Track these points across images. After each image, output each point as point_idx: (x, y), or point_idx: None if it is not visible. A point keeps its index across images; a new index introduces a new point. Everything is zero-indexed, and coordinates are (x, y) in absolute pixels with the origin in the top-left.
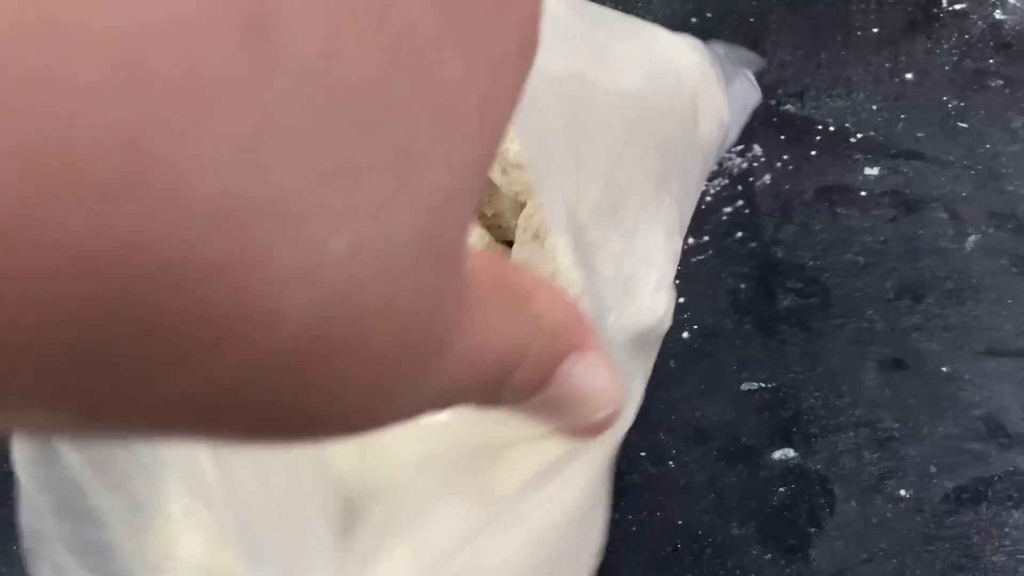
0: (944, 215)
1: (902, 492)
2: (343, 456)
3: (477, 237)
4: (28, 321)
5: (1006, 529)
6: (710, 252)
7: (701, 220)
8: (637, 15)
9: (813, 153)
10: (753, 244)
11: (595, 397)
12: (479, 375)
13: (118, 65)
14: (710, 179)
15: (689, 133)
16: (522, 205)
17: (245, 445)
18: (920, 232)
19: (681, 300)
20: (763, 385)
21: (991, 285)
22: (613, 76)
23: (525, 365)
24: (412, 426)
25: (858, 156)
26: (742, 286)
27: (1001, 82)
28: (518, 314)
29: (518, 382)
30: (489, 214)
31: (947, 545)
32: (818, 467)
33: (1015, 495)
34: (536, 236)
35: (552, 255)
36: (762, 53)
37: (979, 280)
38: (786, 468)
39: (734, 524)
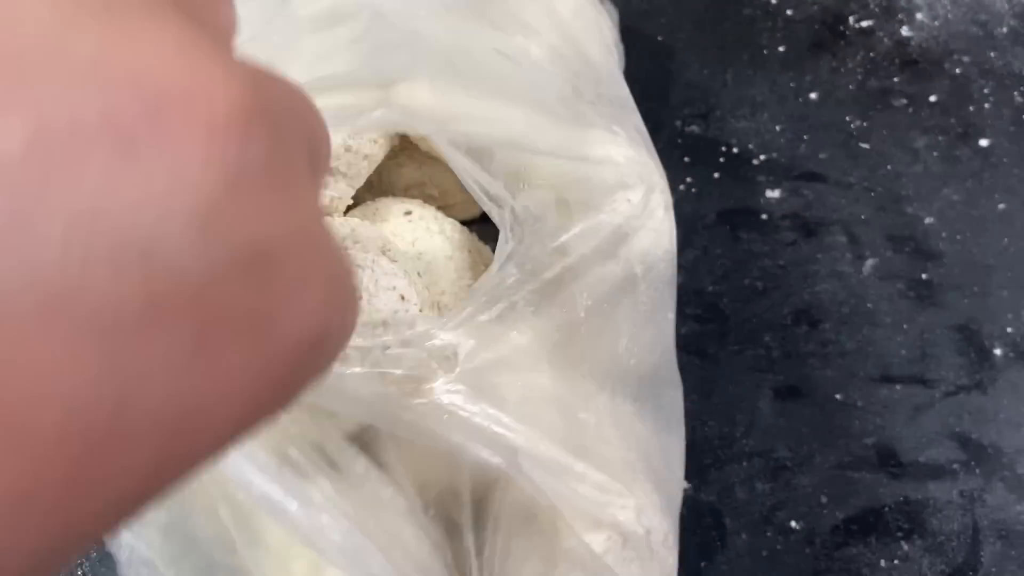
0: (843, 238)
1: (793, 524)
2: None
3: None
4: None
5: (895, 561)
6: None
7: None
8: None
9: (716, 175)
10: None
11: None
12: None
13: None
14: None
15: (610, 63)
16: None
17: None
18: (819, 256)
19: None
20: None
21: (887, 310)
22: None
23: None
24: None
25: (761, 178)
26: None
27: (905, 101)
28: None
29: None
30: (436, 194)
31: None
32: (711, 499)
33: (905, 526)
34: None
35: None
36: (669, 74)
37: (875, 305)
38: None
39: None
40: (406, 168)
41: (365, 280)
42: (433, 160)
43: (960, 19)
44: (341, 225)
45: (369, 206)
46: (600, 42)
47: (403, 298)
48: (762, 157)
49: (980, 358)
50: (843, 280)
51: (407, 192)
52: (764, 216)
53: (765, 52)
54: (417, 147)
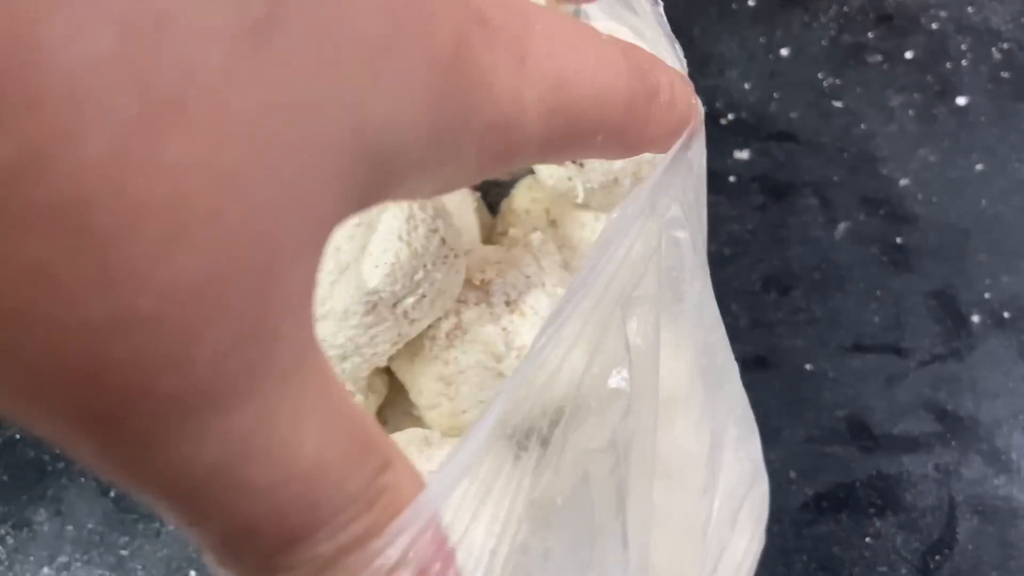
0: (815, 201)
1: None
2: None
3: None
4: None
5: (867, 539)
6: None
7: None
8: None
9: None
10: None
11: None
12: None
13: None
14: None
15: None
16: None
17: None
18: (789, 220)
19: None
20: None
21: (860, 276)
22: None
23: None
24: None
25: (728, 139)
26: None
27: (880, 57)
28: None
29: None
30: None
31: (805, 557)
32: None
33: (877, 502)
34: None
35: None
36: None
37: (848, 271)
38: None
39: None
40: None
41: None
42: None
43: None
44: None
45: None
46: None
47: (444, 242)
48: (730, 116)
49: (957, 326)
50: (814, 245)
51: None
52: (732, 178)
53: (734, 7)
54: None
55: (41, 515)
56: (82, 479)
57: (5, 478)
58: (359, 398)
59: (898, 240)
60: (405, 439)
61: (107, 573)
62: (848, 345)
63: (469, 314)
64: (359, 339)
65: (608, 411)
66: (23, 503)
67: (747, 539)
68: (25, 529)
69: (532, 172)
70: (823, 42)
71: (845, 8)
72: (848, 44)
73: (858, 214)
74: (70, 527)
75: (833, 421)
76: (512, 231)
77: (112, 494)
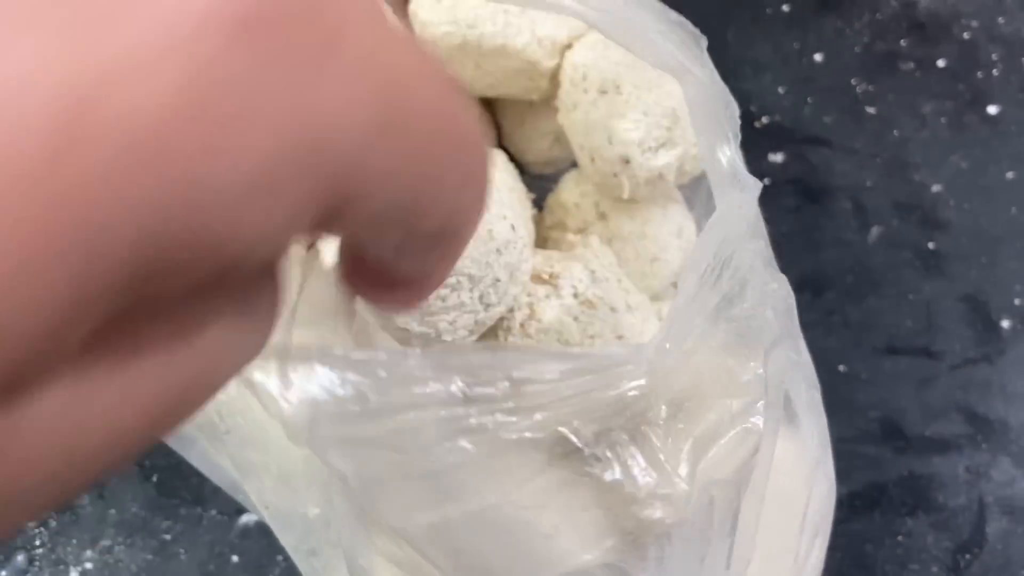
0: (848, 205)
1: None
2: None
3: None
4: None
5: (899, 537)
6: None
7: None
8: None
9: None
10: None
11: None
12: None
13: None
14: None
15: None
16: None
17: None
18: (823, 223)
19: None
20: None
21: (893, 279)
22: None
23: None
24: None
25: (763, 142)
26: None
27: (912, 64)
28: None
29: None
30: None
31: (839, 554)
32: None
33: (909, 501)
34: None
35: None
36: None
37: (881, 274)
38: None
39: None
40: None
41: None
42: None
43: None
44: None
45: None
46: None
47: (513, 228)
48: (764, 120)
49: (987, 330)
50: (848, 248)
51: None
52: (767, 181)
53: (768, 11)
54: None
55: (83, 499)
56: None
57: None
58: None
59: (930, 245)
60: None
61: (150, 557)
62: (881, 347)
63: (541, 305)
64: (440, 324)
65: (739, 448)
66: None
67: (819, 547)
68: (68, 512)
69: (575, 165)
70: (856, 49)
71: (878, 16)
72: (881, 51)
73: (891, 219)
74: (112, 511)
75: (866, 422)
76: (570, 236)
77: (154, 479)
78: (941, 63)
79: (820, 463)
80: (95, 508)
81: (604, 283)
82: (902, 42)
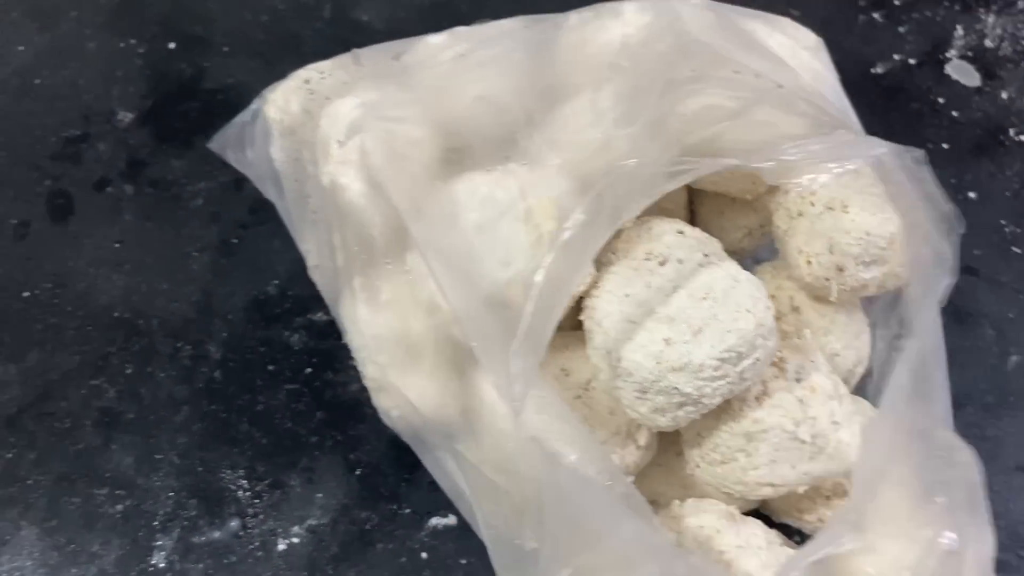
0: (991, 332)
1: None
2: None
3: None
4: None
5: None
6: None
7: None
8: None
9: None
10: None
11: None
12: None
13: None
14: None
15: None
16: None
17: None
18: (966, 344)
19: None
20: None
21: None
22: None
23: None
24: None
25: None
26: None
27: None
28: None
29: None
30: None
31: None
32: None
33: None
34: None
35: None
36: None
37: (1017, 399)
38: None
39: None
40: None
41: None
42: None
43: None
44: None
45: (642, 223)
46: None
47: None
48: None
49: None
50: (989, 370)
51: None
52: None
53: (930, 146)
54: None
55: (294, 479)
56: (332, 455)
57: (264, 442)
58: (632, 450)
59: None
60: (710, 507)
61: (349, 541)
62: (1012, 465)
63: (772, 384)
64: (704, 390)
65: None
66: (279, 467)
67: None
68: (279, 491)
69: (767, 259)
70: (1007, 193)
71: None
72: None
73: None
74: (320, 495)
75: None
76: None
77: (358, 472)
78: None
79: None
80: (304, 490)
81: (818, 373)
82: None
